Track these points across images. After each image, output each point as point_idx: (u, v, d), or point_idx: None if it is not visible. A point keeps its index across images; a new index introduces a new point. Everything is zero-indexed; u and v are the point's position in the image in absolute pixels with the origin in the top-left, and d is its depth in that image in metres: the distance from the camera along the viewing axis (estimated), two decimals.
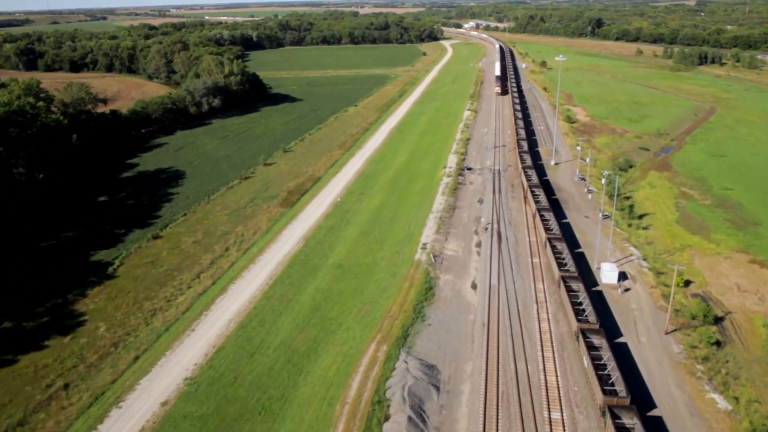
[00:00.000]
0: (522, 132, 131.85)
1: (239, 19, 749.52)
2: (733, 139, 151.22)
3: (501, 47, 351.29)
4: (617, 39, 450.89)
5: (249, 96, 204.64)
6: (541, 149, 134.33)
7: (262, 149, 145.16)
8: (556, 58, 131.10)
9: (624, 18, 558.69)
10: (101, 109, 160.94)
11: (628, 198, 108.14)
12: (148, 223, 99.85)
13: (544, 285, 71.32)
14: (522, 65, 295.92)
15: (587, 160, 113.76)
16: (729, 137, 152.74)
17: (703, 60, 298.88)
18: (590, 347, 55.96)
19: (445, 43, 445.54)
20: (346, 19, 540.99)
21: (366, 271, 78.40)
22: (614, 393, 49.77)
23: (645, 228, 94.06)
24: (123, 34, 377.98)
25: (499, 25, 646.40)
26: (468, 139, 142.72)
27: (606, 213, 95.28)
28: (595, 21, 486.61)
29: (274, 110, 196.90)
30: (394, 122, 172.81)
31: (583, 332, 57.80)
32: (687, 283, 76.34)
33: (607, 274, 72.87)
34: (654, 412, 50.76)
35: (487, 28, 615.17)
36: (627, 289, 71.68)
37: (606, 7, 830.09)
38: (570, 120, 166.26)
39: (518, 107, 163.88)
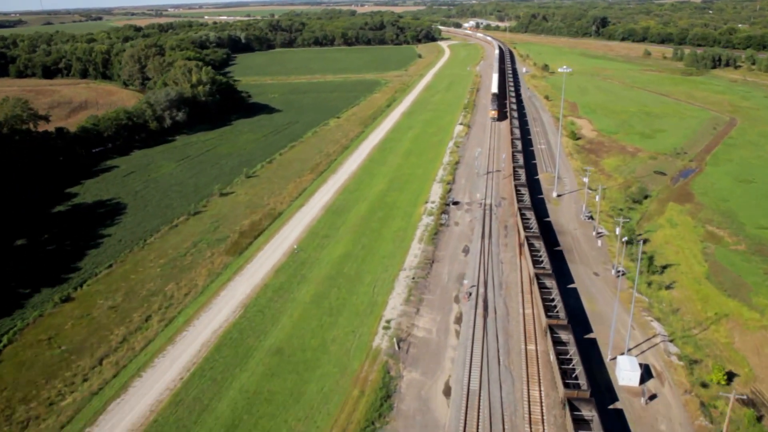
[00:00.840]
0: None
1: (239, 18, 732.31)
2: (760, 158, 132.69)
3: (500, 49, 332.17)
4: (623, 39, 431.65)
5: (221, 107, 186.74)
6: (542, 176, 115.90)
7: (222, 174, 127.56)
8: (560, 70, 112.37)
9: (630, 17, 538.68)
10: (44, 127, 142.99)
11: (645, 241, 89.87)
12: (62, 279, 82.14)
13: (541, 392, 53.20)
14: (522, 69, 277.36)
15: (598, 199, 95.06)
16: (755, 156, 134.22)
17: (716, 63, 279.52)
18: (558, 342, 57.89)
19: (443, 44, 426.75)
20: (341, 19, 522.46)
21: (310, 360, 60.45)
22: (577, 386, 50.99)
23: (668, 287, 75.87)
24: (101, 36, 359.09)
25: (500, 24, 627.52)
26: (457, 163, 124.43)
27: (621, 269, 77.11)
28: (600, 20, 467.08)
29: (248, 124, 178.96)
30: (378, 138, 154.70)
31: (551, 327, 59.67)
32: (729, 376, 58.26)
33: (625, 374, 54.74)
34: None
35: (487, 28, 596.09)
36: (652, 396, 53.55)
37: (610, 5, 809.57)
38: (574, 136, 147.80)
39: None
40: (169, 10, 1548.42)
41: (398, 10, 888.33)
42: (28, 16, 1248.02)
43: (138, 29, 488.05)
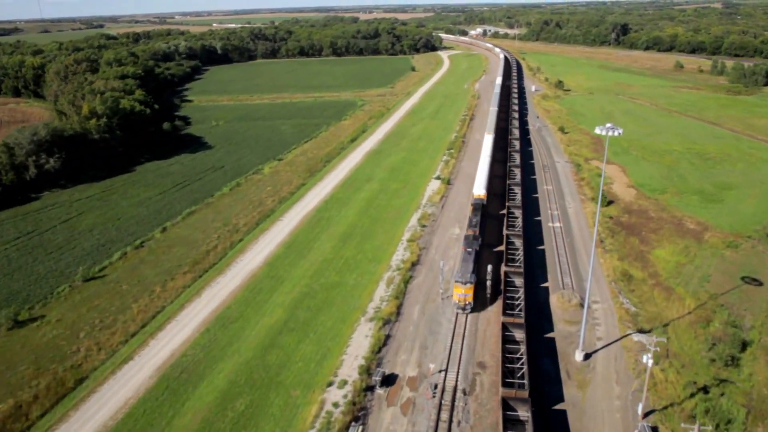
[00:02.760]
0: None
1: (240, 26, 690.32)
2: None
3: (505, 63, 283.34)
4: (647, 48, 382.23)
5: (129, 145, 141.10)
6: (554, 300, 67.41)
7: (52, 271, 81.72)
8: (599, 131, 60.99)
9: (652, 23, 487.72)
10: None
11: None
12: None
13: None
14: (532, 87, 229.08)
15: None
16: None
17: None
18: (510, 340, 54.98)
19: (443, 54, 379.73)
20: (334, 27, 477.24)
21: None
22: (519, 386, 47.90)
23: None
24: (51, 47, 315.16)
25: (509, 31, 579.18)
26: (414, 265, 76.59)
27: None
28: (620, 27, 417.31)
29: (156, 169, 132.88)
30: (317, 200, 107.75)
31: (505, 325, 56.15)
32: None
33: None
34: None
35: (495, 35, 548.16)
36: None
37: (628, 11, 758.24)
38: (604, 200, 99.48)
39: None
40: (176, 17, 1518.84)
41: (405, 17, 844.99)
42: (28, 24, 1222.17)
43: (111, 38, 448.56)
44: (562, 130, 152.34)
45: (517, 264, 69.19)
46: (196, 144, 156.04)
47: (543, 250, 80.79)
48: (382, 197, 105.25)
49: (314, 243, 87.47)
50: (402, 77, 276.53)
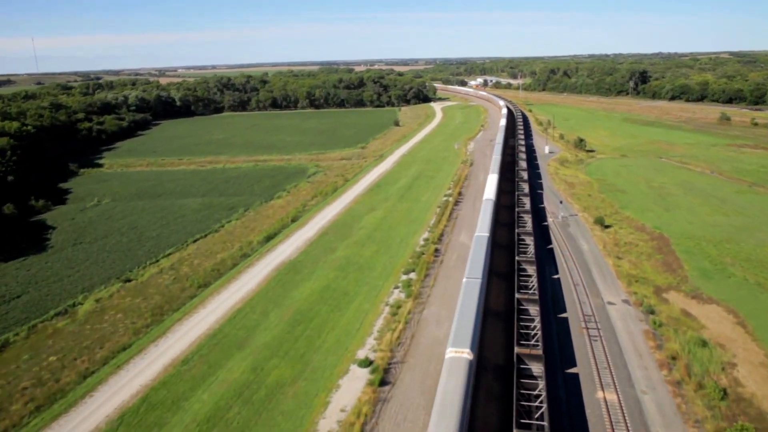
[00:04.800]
0: None
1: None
2: None
3: (507, 119, 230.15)
4: (672, 98, 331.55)
5: None
6: None
7: None
8: None
9: (672, 70, 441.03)
10: None
11: None
12: None
13: None
14: (545, 148, 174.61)
15: None
16: None
17: None
18: (527, 375, 45.33)
19: (435, 106, 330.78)
20: (318, 76, 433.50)
21: None
22: (538, 428, 39.13)
23: None
24: None
25: (512, 81, 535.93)
26: None
27: None
28: (639, 74, 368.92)
29: None
30: (112, 404, 50.42)
31: (520, 357, 46.69)
32: None
33: None
34: None
35: (497, 86, 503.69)
36: None
37: (638, 60, 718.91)
38: (715, 390, 40.99)
39: None
40: (179, 70, 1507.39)
41: (405, 69, 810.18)
42: (30, 77, 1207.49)
43: (67, 89, 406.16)
44: (600, 222, 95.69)
45: (531, 291, 56.61)
46: (26, 242, 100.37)
47: None
48: (237, 414, 47.28)
49: None
50: (380, 134, 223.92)
